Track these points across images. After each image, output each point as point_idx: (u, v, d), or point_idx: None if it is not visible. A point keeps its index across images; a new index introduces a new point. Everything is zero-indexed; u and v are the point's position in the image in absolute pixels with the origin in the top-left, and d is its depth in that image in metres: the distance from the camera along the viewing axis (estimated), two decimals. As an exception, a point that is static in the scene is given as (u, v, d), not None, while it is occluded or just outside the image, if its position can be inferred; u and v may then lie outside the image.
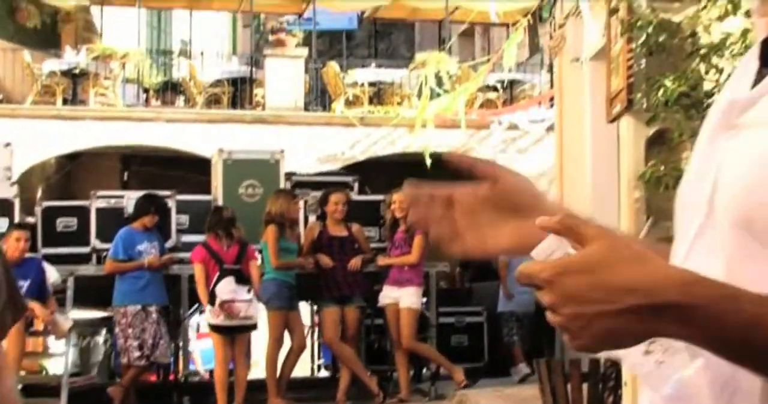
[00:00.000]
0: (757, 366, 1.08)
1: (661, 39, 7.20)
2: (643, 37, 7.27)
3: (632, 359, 1.20)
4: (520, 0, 19.17)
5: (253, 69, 19.83)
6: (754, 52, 1.33)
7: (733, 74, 1.37)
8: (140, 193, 11.33)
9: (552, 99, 14.27)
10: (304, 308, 11.83)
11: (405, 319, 10.67)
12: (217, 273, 10.34)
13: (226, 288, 10.28)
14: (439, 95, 18.10)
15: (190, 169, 17.17)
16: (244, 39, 25.68)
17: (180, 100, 20.36)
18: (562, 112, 11.66)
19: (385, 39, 30.74)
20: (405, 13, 22.59)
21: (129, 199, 11.42)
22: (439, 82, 18.84)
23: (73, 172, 19.69)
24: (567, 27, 11.72)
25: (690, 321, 1.06)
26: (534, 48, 20.55)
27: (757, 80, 1.25)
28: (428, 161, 15.62)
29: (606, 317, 1.07)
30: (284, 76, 18.88)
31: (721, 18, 6.85)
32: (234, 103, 19.31)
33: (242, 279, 10.39)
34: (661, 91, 6.88)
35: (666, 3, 7.27)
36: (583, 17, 10.72)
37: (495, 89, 19.30)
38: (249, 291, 10.36)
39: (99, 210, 11.50)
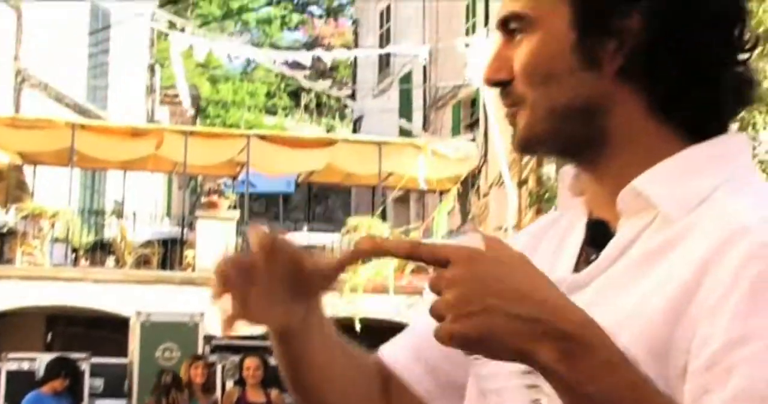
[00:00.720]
0: None
1: (568, 211, 7.26)
2: (552, 209, 7.33)
3: None
4: (451, 168, 19.48)
5: (185, 230, 19.80)
6: (556, 225, 1.33)
7: (536, 249, 1.33)
8: (53, 356, 11.06)
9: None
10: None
11: None
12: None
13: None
14: (370, 260, 18.10)
15: (116, 331, 16.89)
16: (178, 200, 25.73)
17: (110, 260, 20.18)
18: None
19: (322, 203, 31.02)
20: (339, 178, 22.82)
21: (42, 362, 11.15)
22: (371, 247, 18.87)
23: (-5, 332, 19.29)
24: (491, 196, 11.88)
25: (574, 358, 1.01)
26: (465, 215, 20.75)
27: (581, 259, 1.25)
28: (358, 326, 15.51)
29: (499, 314, 1.01)
30: (215, 238, 18.83)
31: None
32: (164, 264, 19.18)
33: None
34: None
35: (574, 176, 7.37)
36: (506, 187, 10.88)
37: (426, 255, 19.34)
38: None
39: (10, 373, 11.23)
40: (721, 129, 1.24)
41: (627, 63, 1.21)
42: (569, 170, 1.32)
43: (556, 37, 1.23)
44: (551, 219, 1.38)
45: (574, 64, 1.22)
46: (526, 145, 1.27)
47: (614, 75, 1.21)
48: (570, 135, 1.24)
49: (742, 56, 1.24)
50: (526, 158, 8.11)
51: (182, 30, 23.42)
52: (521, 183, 7.50)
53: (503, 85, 1.26)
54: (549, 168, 7.38)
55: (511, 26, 1.26)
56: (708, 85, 1.21)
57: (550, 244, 1.33)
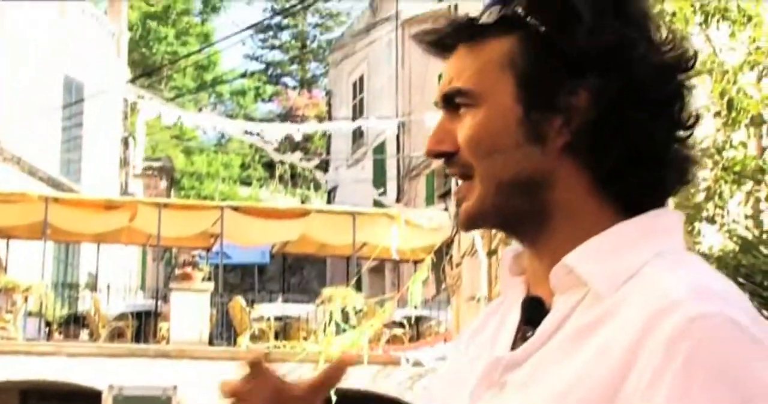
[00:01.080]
0: None
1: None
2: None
3: None
4: (424, 238, 19.53)
5: (159, 302, 19.71)
6: (500, 306, 1.33)
7: (480, 333, 1.35)
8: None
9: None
10: None
11: None
12: None
13: None
14: (345, 330, 18.06)
15: (89, 404, 16.74)
16: (153, 272, 25.64)
17: (84, 334, 20.04)
18: (458, 349, 11.70)
19: (297, 273, 30.99)
20: (314, 249, 22.82)
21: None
22: (346, 317, 18.86)
23: (-33, 408, 19.07)
24: (464, 265, 11.91)
25: None
26: (440, 285, 20.76)
27: (518, 337, 1.24)
28: (333, 398, 15.40)
29: None
30: (189, 310, 18.76)
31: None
32: (138, 337, 19.06)
33: None
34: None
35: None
36: (479, 256, 10.92)
37: (401, 325, 19.34)
38: None
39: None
40: (658, 205, 1.23)
41: (573, 139, 1.20)
42: (509, 251, 1.30)
43: (501, 112, 1.21)
44: (498, 302, 1.36)
45: (520, 139, 1.20)
46: (473, 219, 1.25)
47: (560, 150, 1.20)
48: (513, 209, 1.23)
49: (683, 134, 1.24)
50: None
51: (150, 98, 23.55)
52: (491, 253, 7.55)
53: (446, 156, 1.25)
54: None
55: (454, 101, 1.24)
56: (651, 163, 1.21)
57: (493, 326, 1.32)
